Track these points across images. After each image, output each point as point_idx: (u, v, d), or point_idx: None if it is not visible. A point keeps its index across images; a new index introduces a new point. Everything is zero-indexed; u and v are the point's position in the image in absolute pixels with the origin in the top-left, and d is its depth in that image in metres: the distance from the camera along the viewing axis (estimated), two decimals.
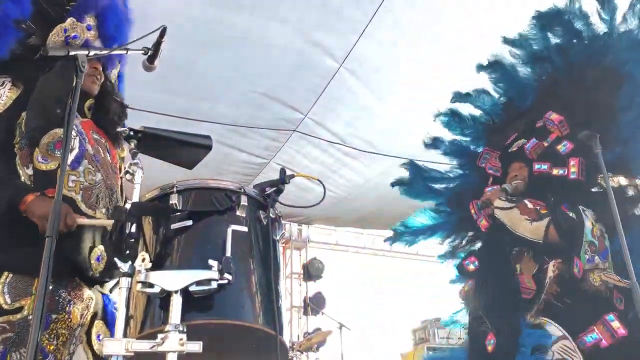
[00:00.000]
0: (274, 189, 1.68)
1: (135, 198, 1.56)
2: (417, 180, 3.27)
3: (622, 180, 2.60)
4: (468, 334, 2.73)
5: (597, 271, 2.32)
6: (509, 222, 2.58)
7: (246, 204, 1.61)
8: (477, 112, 3.22)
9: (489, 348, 2.44)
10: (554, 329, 2.31)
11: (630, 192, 2.61)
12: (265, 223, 1.64)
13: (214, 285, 1.42)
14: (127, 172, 1.61)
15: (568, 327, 2.29)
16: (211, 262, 1.45)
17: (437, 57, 4.25)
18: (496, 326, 2.46)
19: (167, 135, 1.77)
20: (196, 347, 1.36)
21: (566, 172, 2.57)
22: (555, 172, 2.61)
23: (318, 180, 2.05)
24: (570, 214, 2.45)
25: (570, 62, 2.91)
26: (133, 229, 1.50)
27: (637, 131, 2.62)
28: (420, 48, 4.22)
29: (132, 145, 1.68)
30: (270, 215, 1.65)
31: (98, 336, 1.97)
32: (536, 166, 2.69)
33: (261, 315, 1.50)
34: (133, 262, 1.47)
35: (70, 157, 1.92)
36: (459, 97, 3.23)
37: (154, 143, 1.73)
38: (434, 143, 3.24)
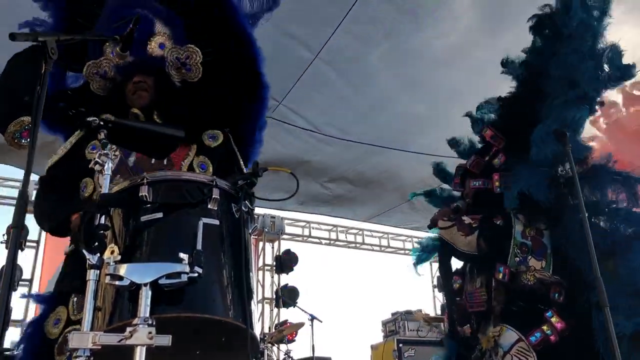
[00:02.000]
0: (247, 182, 1.67)
1: (105, 189, 1.54)
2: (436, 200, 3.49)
3: None
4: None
5: (530, 271, 2.41)
6: (451, 240, 2.73)
7: (218, 197, 1.60)
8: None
9: None
10: (512, 334, 2.41)
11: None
12: (237, 216, 1.63)
13: (184, 278, 1.40)
14: (96, 162, 1.58)
15: (520, 329, 2.39)
16: (182, 255, 1.43)
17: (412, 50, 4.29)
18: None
19: (137, 125, 1.74)
20: (165, 340, 1.34)
21: (492, 186, 2.72)
22: (488, 185, 2.76)
23: (291, 173, 2.04)
24: (499, 222, 2.54)
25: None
26: (102, 220, 1.48)
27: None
28: (396, 39, 4.25)
29: (102, 135, 1.65)
30: (243, 208, 1.64)
31: None
32: (472, 183, 2.84)
33: (231, 308, 1.49)
34: (102, 254, 1.44)
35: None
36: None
37: (124, 134, 1.70)
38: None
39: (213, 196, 1.59)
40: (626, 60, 2.65)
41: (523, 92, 2.93)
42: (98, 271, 1.44)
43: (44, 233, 6.48)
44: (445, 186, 3.50)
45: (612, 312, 2.23)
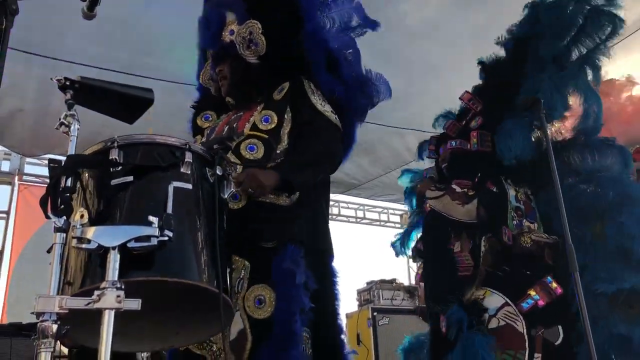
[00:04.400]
0: (222, 146, 1.63)
1: (72, 151, 1.48)
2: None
3: None
4: (429, 316, 2.83)
5: (527, 233, 2.43)
6: (444, 209, 2.69)
7: (191, 160, 1.56)
8: None
9: (443, 330, 2.56)
10: (497, 298, 2.42)
11: None
12: (211, 181, 1.60)
13: (154, 242, 1.37)
14: (62, 123, 1.52)
15: (509, 294, 2.39)
16: (151, 218, 1.39)
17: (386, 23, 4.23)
18: (442, 307, 2.59)
19: (105, 86, 1.68)
20: (135, 304, 1.32)
21: (469, 145, 2.70)
22: (466, 146, 2.73)
23: (267, 139, 2.01)
24: (494, 189, 2.55)
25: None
26: (69, 183, 1.43)
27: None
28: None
29: (68, 96, 1.59)
30: (218, 172, 1.61)
31: (257, 301, 1.95)
32: (450, 143, 2.81)
33: (205, 273, 1.47)
34: (68, 217, 1.40)
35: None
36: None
37: (92, 95, 1.64)
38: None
39: (185, 160, 1.55)
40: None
41: (506, 59, 2.91)
42: (64, 234, 1.40)
43: (14, 202, 6.34)
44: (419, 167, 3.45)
45: (597, 274, 2.31)
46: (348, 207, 8.69)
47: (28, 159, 6.31)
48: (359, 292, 5.72)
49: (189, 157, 1.56)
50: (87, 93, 1.60)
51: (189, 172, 1.56)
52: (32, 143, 5.30)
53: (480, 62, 2.99)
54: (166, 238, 1.39)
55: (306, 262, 2.00)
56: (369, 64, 2.51)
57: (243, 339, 1.92)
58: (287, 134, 2.17)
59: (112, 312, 1.30)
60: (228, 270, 1.64)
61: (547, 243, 2.41)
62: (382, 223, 8.73)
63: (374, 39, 2.52)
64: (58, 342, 1.33)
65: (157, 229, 1.38)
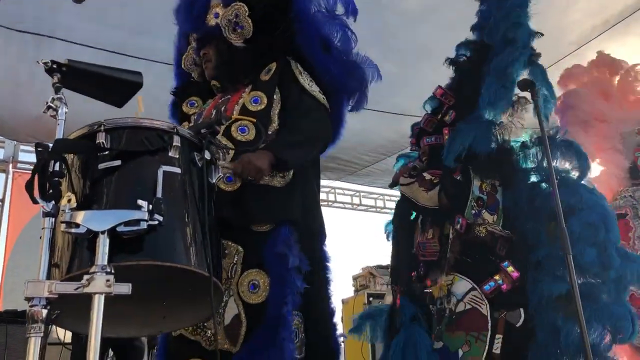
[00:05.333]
0: (210, 130, 1.62)
1: (59, 135, 1.47)
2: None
3: None
4: (392, 293, 2.97)
5: (481, 224, 2.50)
6: (412, 195, 2.79)
7: (179, 144, 1.54)
8: None
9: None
10: (465, 283, 2.49)
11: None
12: (200, 165, 1.59)
13: (144, 226, 1.36)
14: (49, 107, 1.51)
15: (474, 279, 2.47)
16: (140, 202, 1.39)
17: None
18: (401, 288, 2.77)
19: (93, 70, 1.66)
20: (125, 288, 1.31)
21: (443, 141, 2.77)
22: (441, 141, 2.80)
23: (256, 122, 2.00)
24: (459, 177, 2.64)
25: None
26: (57, 167, 1.42)
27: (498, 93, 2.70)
28: None
29: (56, 79, 1.57)
30: (206, 157, 1.60)
31: (252, 286, 1.94)
32: (426, 139, 2.89)
33: (194, 256, 1.47)
34: (56, 201, 1.39)
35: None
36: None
37: (80, 78, 1.62)
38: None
39: (174, 144, 1.54)
40: None
41: (473, 54, 2.96)
42: (53, 219, 1.39)
43: (9, 190, 6.31)
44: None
45: (544, 272, 2.38)
46: (344, 194, 8.70)
47: (22, 146, 6.27)
48: (355, 278, 5.74)
49: (177, 141, 1.55)
50: (74, 76, 1.58)
51: (177, 156, 1.55)
52: (27, 129, 5.24)
53: (451, 61, 3.03)
54: (156, 222, 1.38)
55: (299, 245, 2.01)
56: (364, 48, 2.48)
57: (237, 324, 1.92)
58: (277, 115, 2.16)
59: (102, 297, 1.29)
60: (217, 254, 1.63)
61: (501, 236, 2.47)
62: (378, 209, 8.74)
63: (370, 22, 2.50)
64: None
65: (147, 213, 1.37)
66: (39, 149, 1.44)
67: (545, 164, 2.51)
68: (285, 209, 2.06)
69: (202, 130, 1.61)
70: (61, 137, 1.48)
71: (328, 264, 2.20)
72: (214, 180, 1.64)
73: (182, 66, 2.55)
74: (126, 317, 1.56)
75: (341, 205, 8.77)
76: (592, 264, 2.29)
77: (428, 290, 2.64)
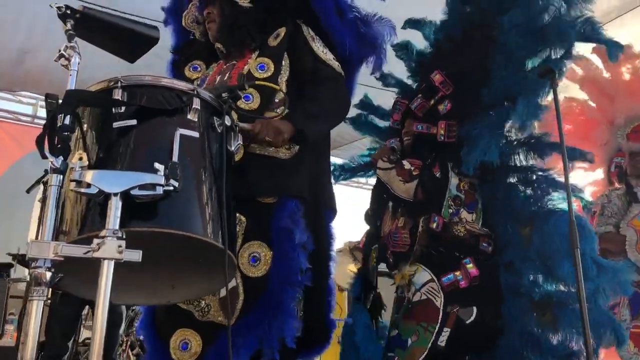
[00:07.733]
0: (232, 95, 1.53)
1: (71, 86, 1.36)
2: (364, 115, 3.36)
3: None
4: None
5: (460, 223, 2.49)
6: (388, 182, 2.72)
7: (198, 107, 1.46)
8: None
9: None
10: (425, 274, 2.50)
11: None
12: (219, 131, 1.50)
13: (160, 191, 1.28)
14: (61, 55, 1.39)
15: (435, 271, 2.48)
16: (157, 165, 1.30)
17: None
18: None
19: (108, 19, 1.54)
20: (136, 256, 1.24)
21: (436, 133, 2.68)
22: (432, 131, 2.70)
23: (280, 90, 1.90)
24: (438, 174, 2.60)
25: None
26: (67, 120, 1.32)
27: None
28: None
29: (69, 26, 1.45)
30: (226, 122, 1.51)
31: (252, 259, 1.87)
32: (416, 126, 2.76)
33: (210, 227, 1.39)
34: (65, 157, 1.30)
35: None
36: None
37: (94, 27, 1.50)
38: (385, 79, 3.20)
39: (193, 106, 1.45)
40: None
41: (474, 38, 2.81)
42: (61, 176, 1.30)
43: None
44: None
45: (522, 274, 2.41)
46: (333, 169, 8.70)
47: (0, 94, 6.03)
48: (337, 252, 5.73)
49: (196, 103, 1.46)
50: (88, 25, 1.47)
51: (196, 119, 1.46)
52: (7, 78, 5.04)
53: (450, 39, 2.94)
54: (171, 188, 1.30)
55: (306, 221, 1.94)
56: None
57: (234, 297, 1.86)
58: (285, 83, 2.06)
59: (112, 263, 1.22)
60: (233, 225, 1.56)
61: (480, 234, 2.48)
62: (360, 185, 8.70)
63: None
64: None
65: (164, 177, 1.28)
66: (49, 99, 1.33)
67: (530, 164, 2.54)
68: (289, 182, 1.98)
69: (223, 95, 1.52)
70: (73, 88, 1.37)
71: (332, 241, 2.15)
72: (232, 148, 1.56)
73: (183, 23, 2.40)
74: (133, 284, 1.49)
75: None
76: (568, 275, 2.27)
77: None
